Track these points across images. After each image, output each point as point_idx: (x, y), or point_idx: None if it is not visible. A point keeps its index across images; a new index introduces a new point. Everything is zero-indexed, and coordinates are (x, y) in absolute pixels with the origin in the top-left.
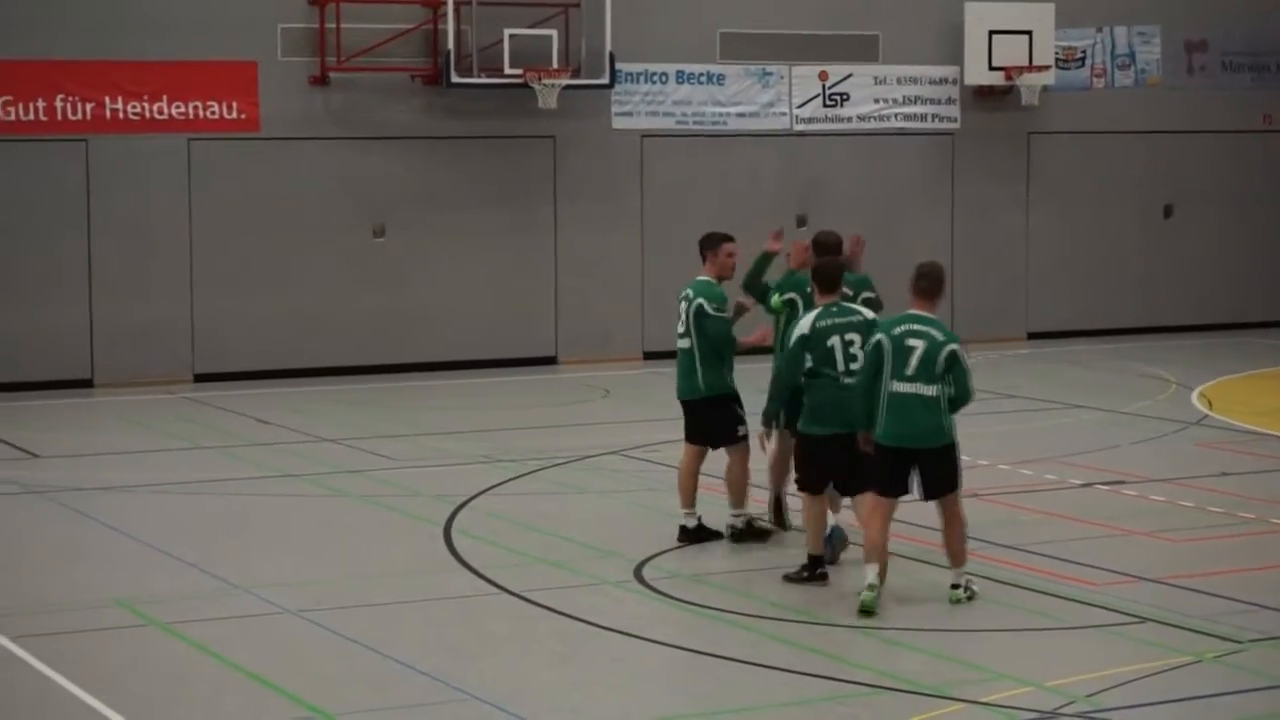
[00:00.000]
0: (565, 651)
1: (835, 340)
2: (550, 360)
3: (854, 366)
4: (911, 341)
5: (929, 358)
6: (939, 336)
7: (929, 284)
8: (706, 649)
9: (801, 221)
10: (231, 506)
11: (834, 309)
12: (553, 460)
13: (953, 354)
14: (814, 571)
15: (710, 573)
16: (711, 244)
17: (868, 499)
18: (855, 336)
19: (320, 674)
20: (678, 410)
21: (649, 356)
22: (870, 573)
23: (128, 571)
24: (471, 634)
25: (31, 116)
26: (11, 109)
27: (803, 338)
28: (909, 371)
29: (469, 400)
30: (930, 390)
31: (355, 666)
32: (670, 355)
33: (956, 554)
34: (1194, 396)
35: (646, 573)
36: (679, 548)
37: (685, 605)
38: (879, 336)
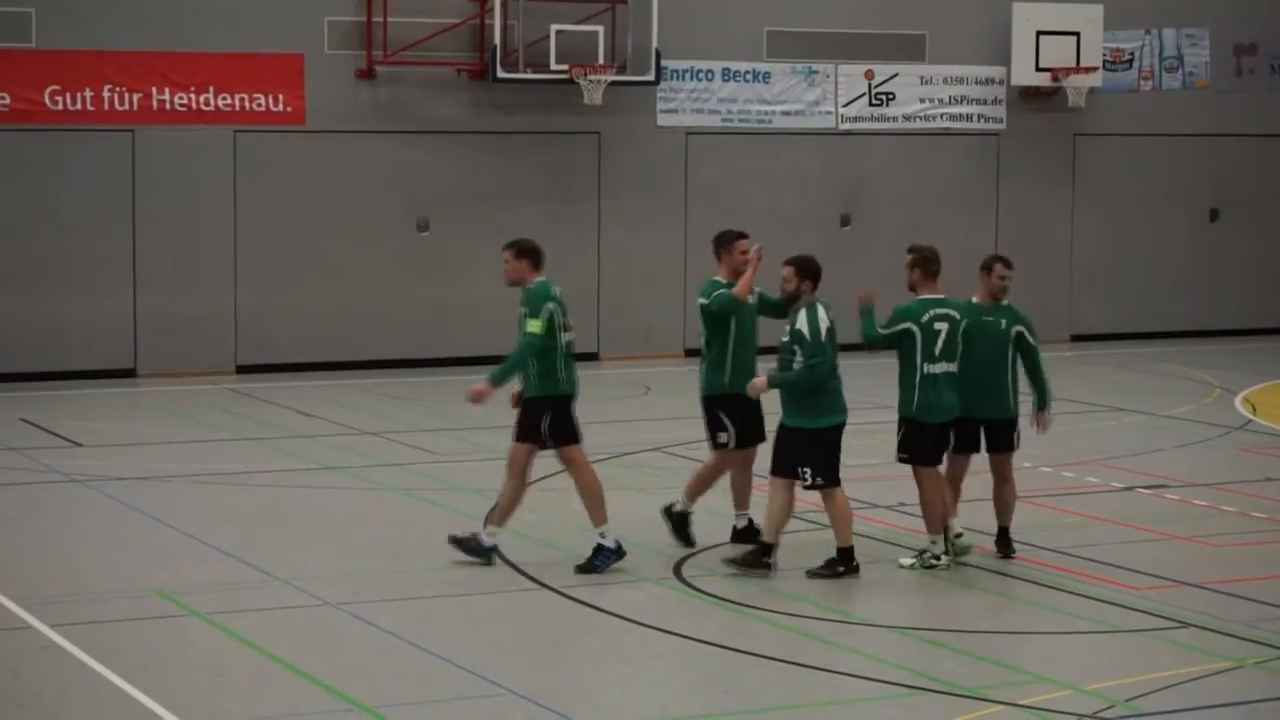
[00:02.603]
0: (604, 648)
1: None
2: (592, 356)
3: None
4: (939, 325)
5: (953, 338)
6: (958, 315)
7: (939, 266)
8: (746, 647)
9: (845, 221)
10: (272, 498)
11: (827, 305)
12: (593, 456)
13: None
14: (849, 565)
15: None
16: (724, 243)
17: (934, 473)
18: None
19: (359, 667)
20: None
21: (691, 353)
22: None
23: (169, 561)
24: (511, 629)
25: (79, 106)
26: (59, 99)
27: (829, 330)
28: (938, 352)
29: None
30: (954, 368)
31: (394, 660)
32: None
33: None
34: (1238, 401)
35: (686, 570)
36: (719, 545)
37: (725, 603)
38: (906, 325)
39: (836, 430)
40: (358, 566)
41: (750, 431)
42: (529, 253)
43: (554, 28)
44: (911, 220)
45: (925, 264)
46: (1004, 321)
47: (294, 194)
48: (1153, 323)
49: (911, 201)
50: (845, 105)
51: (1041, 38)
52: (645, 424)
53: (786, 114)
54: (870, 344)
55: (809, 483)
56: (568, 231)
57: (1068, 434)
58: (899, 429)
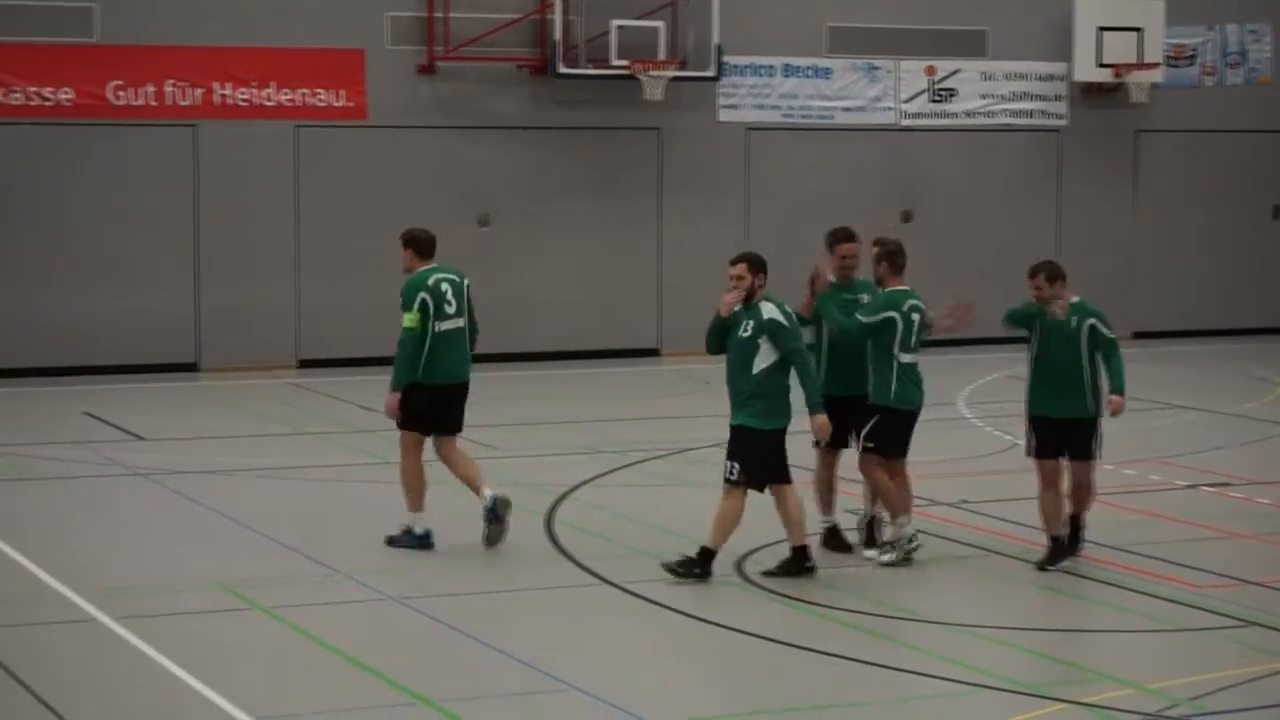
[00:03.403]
0: (665, 644)
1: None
2: (653, 352)
3: None
4: (914, 316)
5: (922, 328)
6: (922, 306)
7: (905, 260)
8: (807, 643)
9: (906, 217)
10: (334, 493)
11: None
12: (654, 452)
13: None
14: (707, 566)
15: (814, 568)
16: (830, 242)
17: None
18: None
19: (421, 661)
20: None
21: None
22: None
23: (230, 555)
24: (571, 625)
25: (141, 101)
26: (122, 94)
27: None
28: (913, 343)
29: (571, 391)
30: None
31: (455, 654)
32: None
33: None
34: None
35: (748, 566)
36: (780, 542)
37: (786, 600)
38: (891, 314)
39: (780, 434)
40: (419, 561)
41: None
42: (412, 241)
43: (615, 23)
44: (972, 217)
45: (893, 258)
46: (1075, 319)
47: (355, 189)
48: (1215, 320)
49: (972, 198)
50: (906, 101)
51: (1103, 33)
52: (705, 420)
53: (847, 110)
54: (847, 334)
55: (733, 478)
56: (628, 227)
57: (1130, 431)
58: (870, 418)
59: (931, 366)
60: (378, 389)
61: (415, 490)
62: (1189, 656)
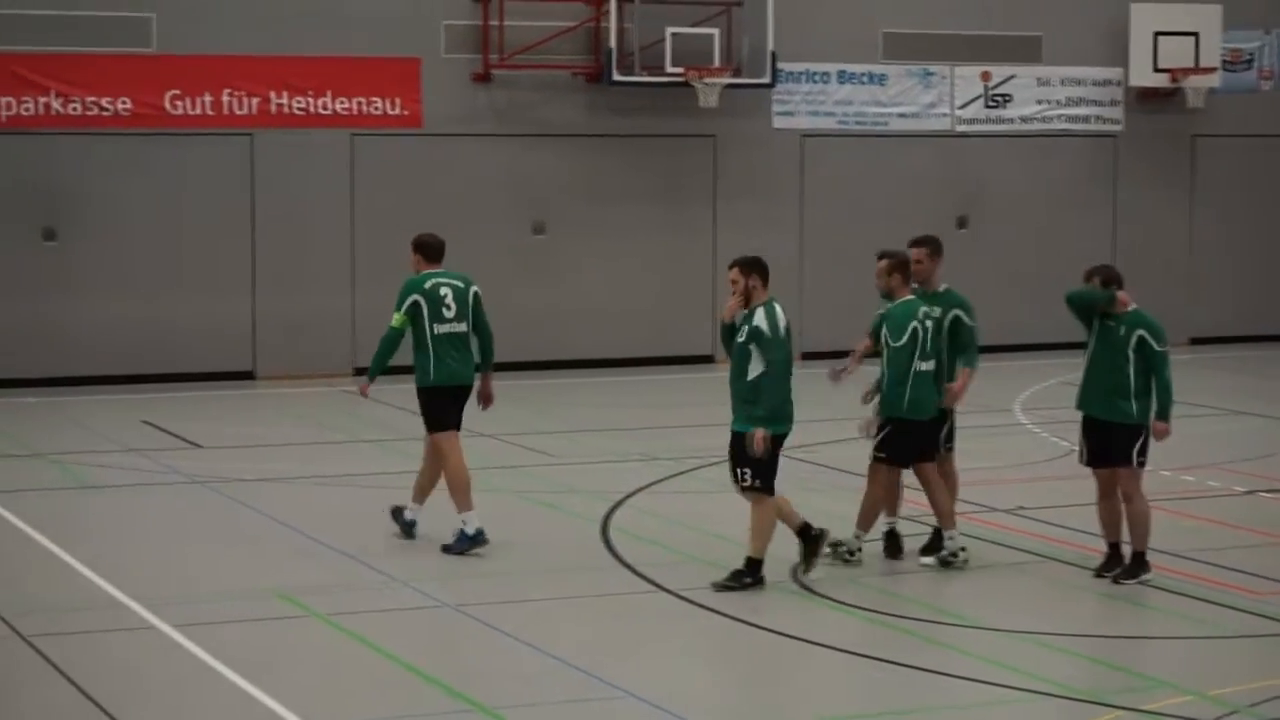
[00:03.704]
0: (721, 651)
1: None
2: (707, 359)
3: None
4: (928, 323)
5: (937, 334)
6: (936, 313)
7: (908, 271)
8: (860, 650)
9: (962, 223)
10: (390, 500)
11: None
12: (710, 459)
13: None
14: (757, 576)
15: (866, 575)
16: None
17: (929, 469)
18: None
19: (477, 668)
20: (834, 410)
21: (806, 357)
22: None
23: (287, 562)
24: (628, 632)
25: (198, 110)
26: (179, 103)
27: (788, 327)
28: (928, 349)
29: (626, 398)
30: (934, 365)
31: (512, 661)
32: (830, 354)
33: (946, 515)
34: None
35: (801, 573)
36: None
37: (840, 606)
38: (914, 324)
39: (778, 440)
40: (474, 568)
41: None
42: (421, 246)
43: (669, 30)
44: (1028, 222)
45: (904, 268)
46: (1124, 328)
47: (410, 197)
48: (1272, 325)
49: (1028, 204)
50: (961, 107)
51: (1159, 38)
52: None
53: (902, 116)
54: (902, 377)
55: (746, 484)
56: (683, 235)
57: (1188, 437)
58: (881, 428)
59: (988, 372)
60: None
61: (462, 490)
62: (1248, 663)
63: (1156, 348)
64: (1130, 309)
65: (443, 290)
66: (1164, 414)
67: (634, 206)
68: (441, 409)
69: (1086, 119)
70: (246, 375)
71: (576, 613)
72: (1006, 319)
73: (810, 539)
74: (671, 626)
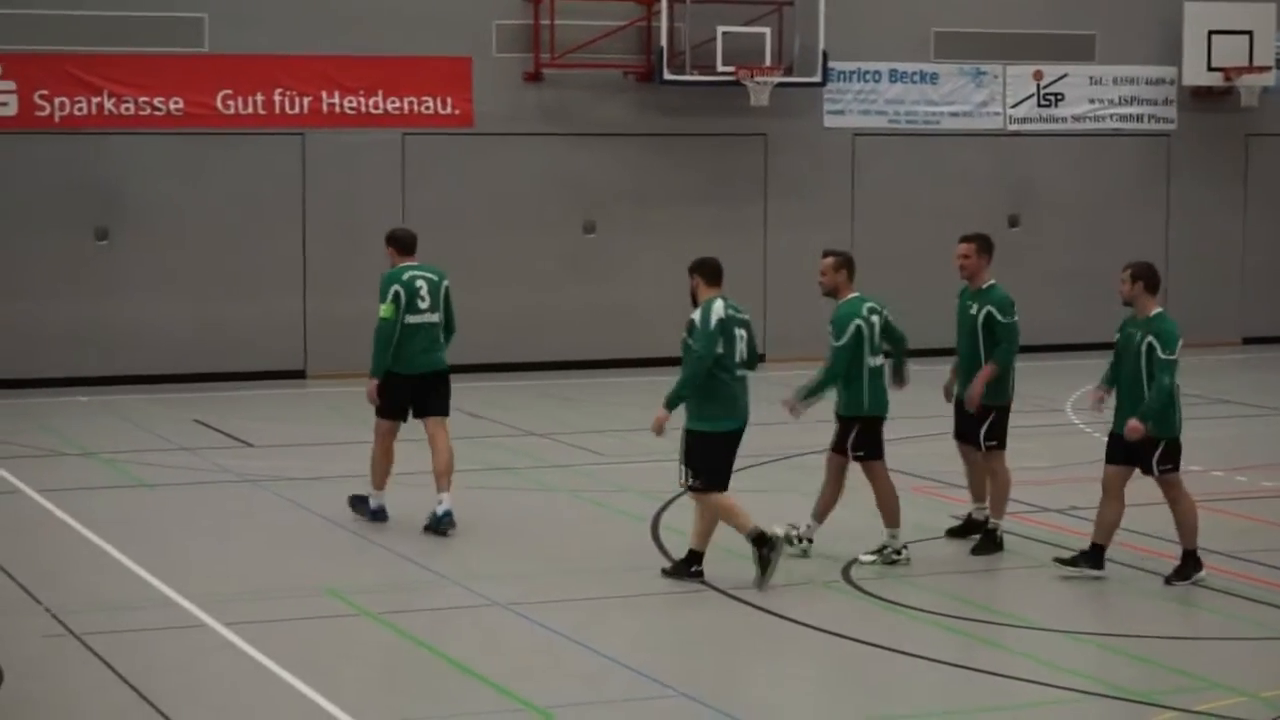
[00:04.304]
0: (772, 650)
1: (736, 331)
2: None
3: (741, 360)
4: (874, 318)
5: (882, 329)
6: (879, 307)
7: (853, 269)
8: (914, 650)
9: (1013, 222)
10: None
11: (730, 302)
12: (760, 459)
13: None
14: (690, 568)
15: (919, 574)
16: None
17: (878, 467)
18: (744, 332)
19: (528, 667)
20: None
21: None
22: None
23: (340, 561)
24: (678, 630)
25: (250, 110)
26: (231, 103)
27: (720, 322)
28: (877, 345)
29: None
30: (881, 359)
31: (563, 660)
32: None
33: (891, 514)
34: None
35: (854, 572)
36: (886, 547)
37: (893, 605)
38: (857, 322)
39: (727, 437)
40: (526, 567)
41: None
42: (393, 240)
43: (720, 29)
44: (1080, 222)
45: (850, 265)
46: (1139, 334)
47: (461, 196)
48: None
49: (1080, 203)
50: (1013, 106)
51: (1213, 37)
52: (813, 426)
53: (954, 115)
54: (836, 377)
55: (688, 483)
56: (733, 234)
57: (1240, 437)
58: (848, 429)
59: (1039, 372)
60: (483, 395)
61: (382, 470)
62: None
63: (1161, 355)
64: (1153, 313)
65: (419, 282)
66: (1144, 414)
67: (684, 206)
68: (394, 397)
69: (1139, 118)
70: (298, 374)
71: (627, 611)
72: (1059, 318)
73: (688, 568)
74: (722, 626)
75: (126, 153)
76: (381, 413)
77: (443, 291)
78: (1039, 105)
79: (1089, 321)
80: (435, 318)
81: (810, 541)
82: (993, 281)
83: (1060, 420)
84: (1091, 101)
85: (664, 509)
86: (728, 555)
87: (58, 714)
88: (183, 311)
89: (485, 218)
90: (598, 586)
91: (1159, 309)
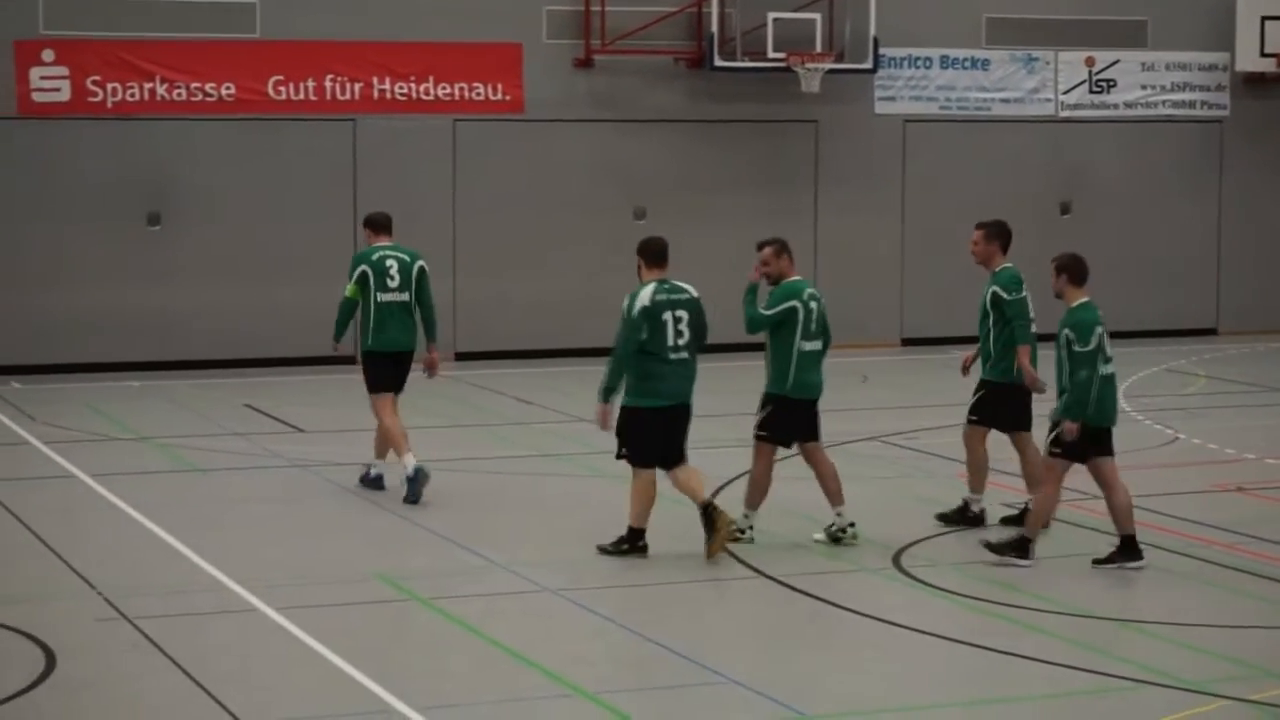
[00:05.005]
0: (822, 637)
1: (668, 315)
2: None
3: (681, 343)
4: (813, 304)
5: (821, 317)
6: (820, 295)
7: (790, 253)
8: (965, 638)
9: (1065, 209)
10: (491, 485)
11: (666, 285)
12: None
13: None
14: (635, 544)
15: (970, 561)
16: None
17: (815, 450)
18: (684, 314)
19: (578, 652)
20: (936, 397)
21: (907, 343)
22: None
23: (389, 546)
24: (729, 618)
25: (301, 96)
26: (282, 88)
27: (644, 309)
28: (813, 329)
29: (726, 384)
30: (821, 346)
31: (613, 646)
32: (932, 341)
33: (835, 493)
34: None
35: (905, 560)
36: (939, 534)
37: (944, 593)
38: (793, 303)
39: (656, 413)
40: (576, 553)
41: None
42: (369, 222)
43: (771, 16)
44: (1132, 209)
45: (786, 250)
46: (1061, 325)
47: (512, 182)
48: None
49: (1132, 190)
50: (1065, 92)
51: (1266, 22)
52: (863, 413)
53: (1005, 101)
54: (754, 327)
55: (619, 455)
56: (784, 220)
57: None
58: (764, 406)
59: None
60: (535, 382)
61: (396, 440)
62: None
63: (1076, 347)
64: (1075, 304)
65: (388, 262)
66: (1068, 410)
67: (735, 193)
68: (378, 372)
69: (1192, 104)
70: (348, 360)
71: (679, 598)
72: (1110, 306)
73: (633, 544)
74: (772, 612)
75: (178, 138)
76: (374, 388)
77: (414, 272)
78: (1091, 91)
79: (1141, 309)
80: (405, 297)
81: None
82: (1007, 264)
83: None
84: (1143, 88)
85: (714, 495)
86: (779, 543)
87: (110, 697)
88: (234, 296)
89: (535, 204)
90: (647, 573)
91: (1083, 300)
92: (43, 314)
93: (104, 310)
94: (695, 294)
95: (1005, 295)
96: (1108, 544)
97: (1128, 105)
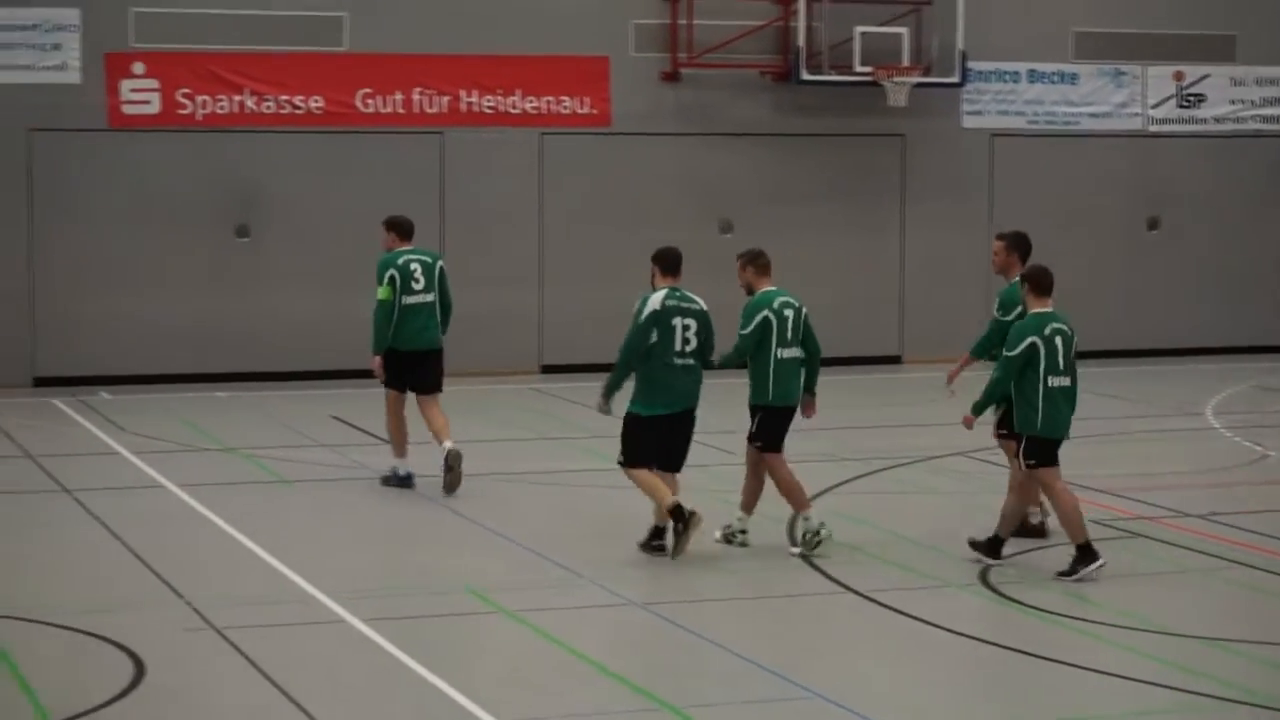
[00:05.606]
0: (908, 652)
1: (677, 321)
2: (895, 359)
3: (688, 349)
4: (787, 312)
5: (798, 324)
6: (796, 303)
7: (767, 262)
8: (1049, 654)
9: (1153, 224)
10: (576, 497)
11: (677, 293)
12: (897, 460)
13: (807, 316)
14: (665, 535)
15: (1054, 577)
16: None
17: (771, 457)
18: (692, 322)
19: (664, 666)
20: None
21: (994, 357)
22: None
23: (475, 558)
24: (815, 632)
25: (389, 109)
26: (370, 101)
27: (654, 314)
28: (788, 338)
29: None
30: (801, 353)
31: (700, 660)
32: None
33: (749, 504)
34: None
35: (992, 576)
36: (1027, 551)
37: (1030, 610)
38: (764, 314)
39: (657, 420)
40: (661, 566)
41: None
42: (394, 226)
43: (858, 29)
44: (1220, 224)
45: (755, 260)
46: None
47: (598, 196)
48: None
49: (1221, 205)
50: (1154, 107)
51: None
52: (950, 428)
53: (1093, 116)
54: (741, 355)
55: (619, 460)
56: (870, 235)
57: None
58: (753, 417)
59: (1179, 375)
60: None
61: (399, 439)
62: None
63: (1005, 351)
64: (1031, 312)
65: (413, 265)
66: (974, 404)
67: (821, 206)
68: (396, 370)
69: None
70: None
71: (764, 612)
72: (1199, 321)
73: (679, 519)
74: (859, 627)
75: (267, 151)
76: (388, 384)
77: (437, 273)
78: (1179, 106)
79: (1230, 324)
80: (430, 298)
81: (744, 533)
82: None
83: (1200, 424)
84: (1233, 102)
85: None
86: (863, 557)
87: (198, 707)
88: (321, 308)
89: (622, 217)
90: (733, 587)
91: (1042, 309)
92: (131, 325)
93: (192, 321)
94: (704, 306)
95: (995, 313)
96: (1195, 562)
97: (1216, 120)
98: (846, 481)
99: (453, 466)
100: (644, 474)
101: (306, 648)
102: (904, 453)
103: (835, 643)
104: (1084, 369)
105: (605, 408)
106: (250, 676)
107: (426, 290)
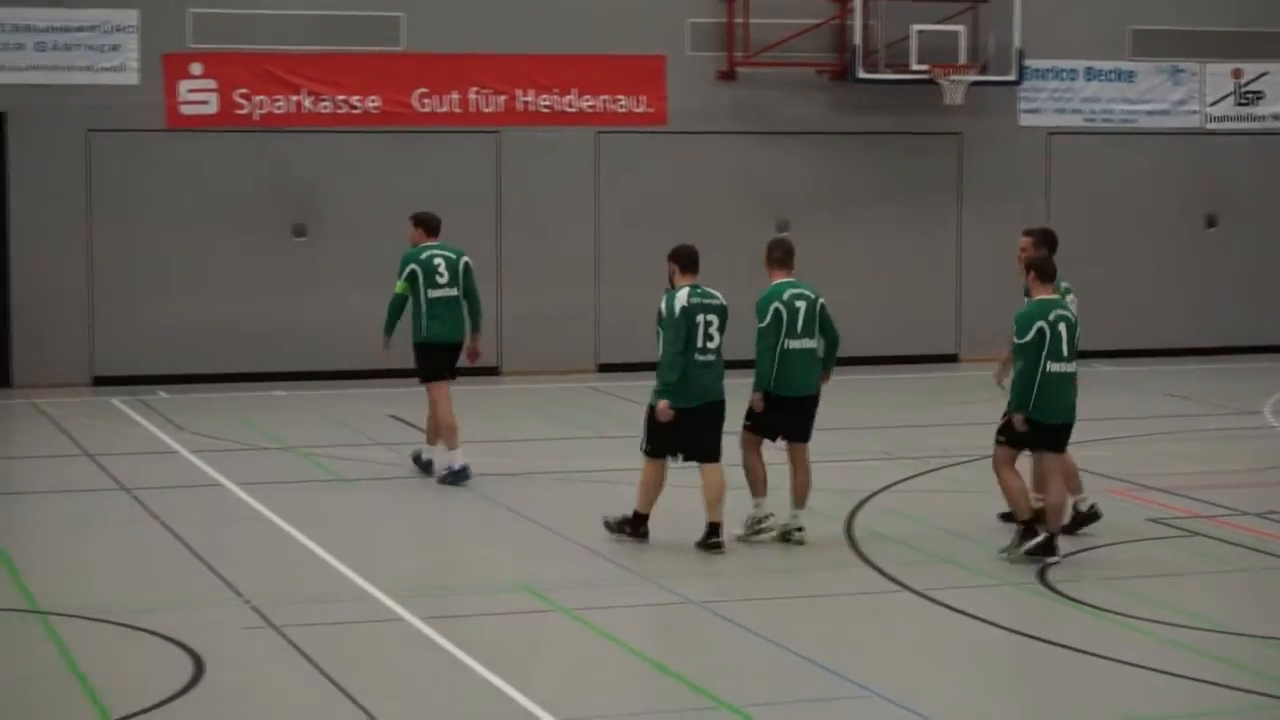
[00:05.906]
0: (967, 651)
1: (700, 318)
2: (952, 358)
3: (710, 345)
4: (798, 304)
5: (811, 315)
6: (811, 294)
7: (785, 254)
8: (1110, 654)
9: (1211, 222)
10: (633, 496)
11: (699, 290)
12: (955, 459)
13: (824, 307)
14: (637, 529)
15: (1117, 577)
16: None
17: (749, 438)
18: (714, 318)
19: (723, 665)
20: (1081, 411)
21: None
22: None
23: (533, 557)
24: (873, 631)
25: (446, 109)
26: (426, 101)
27: (684, 309)
28: (799, 329)
29: (869, 396)
30: (813, 344)
31: (758, 659)
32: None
33: (800, 497)
34: None
35: (1051, 575)
36: (1087, 550)
37: (1089, 609)
38: (774, 305)
39: (682, 413)
40: (718, 564)
41: None
42: (422, 222)
43: (915, 28)
44: (1278, 221)
45: (770, 251)
46: None
47: (654, 194)
48: None
49: (1279, 202)
50: (1212, 104)
51: None
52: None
53: (1151, 114)
54: (770, 351)
55: (642, 447)
56: (927, 232)
57: None
58: (752, 402)
59: (1236, 374)
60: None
61: (451, 432)
62: None
63: (1015, 339)
64: (1035, 298)
65: (436, 260)
66: (1012, 403)
67: (878, 205)
68: (432, 362)
69: None
70: (492, 370)
71: (821, 610)
72: (1257, 320)
73: (706, 540)
74: (916, 626)
75: (324, 150)
76: (430, 377)
77: (461, 267)
78: (1238, 104)
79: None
80: (455, 291)
81: (801, 529)
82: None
83: (1257, 423)
84: None
85: (857, 509)
86: (920, 556)
87: (258, 705)
88: (379, 307)
89: (678, 216)
90: (791, 585)
91: (1041, 297)
92: (189, 324)
93: (249, 320)
94: (723, 301)
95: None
96: (1254, 561)
97: (1275, 117)
98: (903, 480)
99: (426, 469)
100: (658, 465)
101: (365, 646)
102: (961, 451)
103: (893, 641)
104: (1142, 367)
105: (668, 412)
106: (309, 674)
107: (450, 284)
